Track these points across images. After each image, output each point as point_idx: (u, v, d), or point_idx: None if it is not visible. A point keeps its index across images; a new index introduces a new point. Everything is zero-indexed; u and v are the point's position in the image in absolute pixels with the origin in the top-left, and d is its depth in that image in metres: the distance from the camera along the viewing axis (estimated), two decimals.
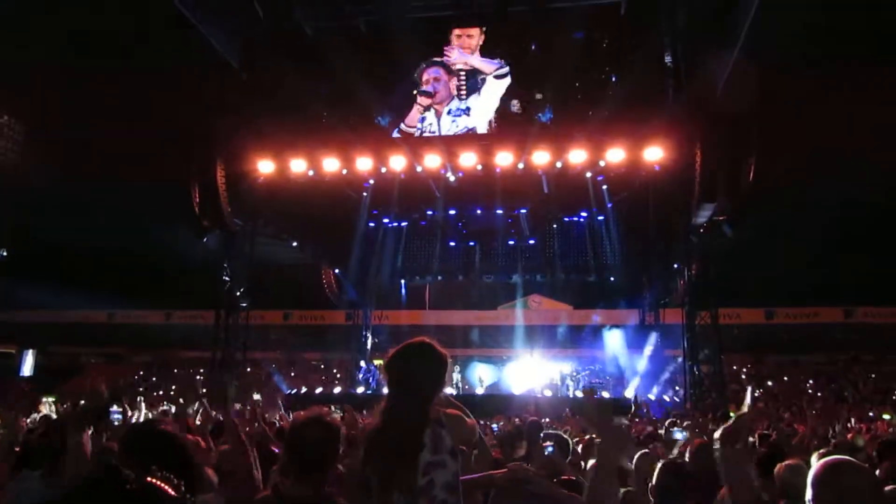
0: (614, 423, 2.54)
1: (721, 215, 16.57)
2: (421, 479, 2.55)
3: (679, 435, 9.29)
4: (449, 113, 18.12)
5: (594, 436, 7.38)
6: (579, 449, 6.06)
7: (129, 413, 8.08)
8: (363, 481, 2.57)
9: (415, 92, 18.31)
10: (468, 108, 18.06)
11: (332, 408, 10.61)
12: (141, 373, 39.22)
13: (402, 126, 18.43)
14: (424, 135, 18.20)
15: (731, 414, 18.45)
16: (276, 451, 4.70)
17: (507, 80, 17.93)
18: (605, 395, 20.66)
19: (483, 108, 18.04)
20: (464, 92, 18.14)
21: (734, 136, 15.67)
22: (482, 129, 18.07)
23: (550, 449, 4.51)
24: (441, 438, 2.63)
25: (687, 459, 4.44)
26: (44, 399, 15.52)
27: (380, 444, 2.63)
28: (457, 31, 18.30)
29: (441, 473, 2.58)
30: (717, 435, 2.83)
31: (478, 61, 18.17)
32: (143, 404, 10.10)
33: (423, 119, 18.27)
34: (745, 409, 2.76)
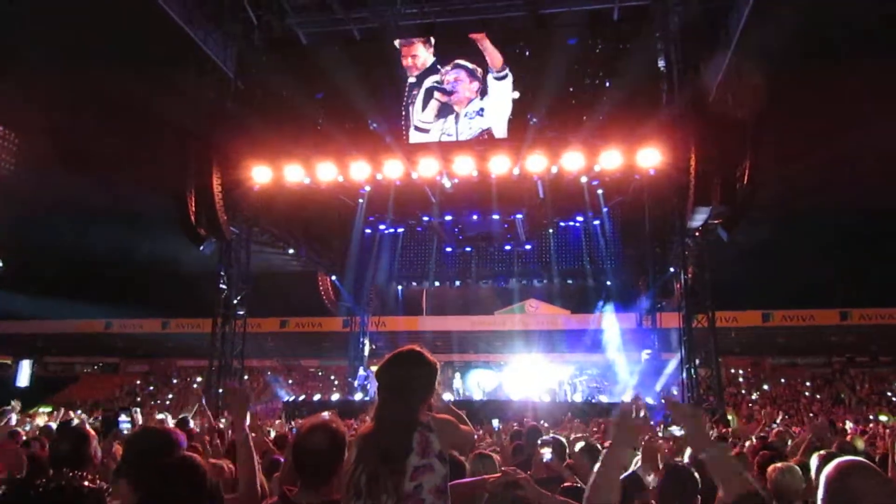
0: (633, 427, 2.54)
1: (717, 219, 16.58)
2: (409, 483, 2.58)
3: (679, 432, 9.30)
4: (466, 115, 18.11)
5: (594, 436, 7.40)
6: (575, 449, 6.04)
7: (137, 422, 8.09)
8: (353, 483, 2.59)
9: (429, 86, 18.28)
10: (482, 110, 18.03)
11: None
12: (138, 382, 39.15)
13: (418, 122, 18.28)
14: (443, 139, 18.14)
15: (729, 417, 18.45)
16: (279, 459, 4.71)
17: (509, 81, 17.91)
18: (602, 398, 20.70)
19: (495, 108, 17.93)
20: (478, 95, 18.13)
21: (729, 139, 15.68)
22: (499, 130, 17.91)
23: (549, 456, 4.52)
24: (429, 442, 2.67)
25: (687, 461, 4.45)
26: (40, 409, 15.43)
27: (369, 448, 2.66)
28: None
29: (429, 478, 2.62)
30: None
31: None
32: (138, 415, 10.05)
33: (444, 120, 18.21)
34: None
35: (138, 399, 34.37)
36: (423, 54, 18.42)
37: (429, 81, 18.34)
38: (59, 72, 25.35)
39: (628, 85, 16.99)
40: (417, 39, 18.46)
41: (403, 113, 18.34)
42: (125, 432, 5.86)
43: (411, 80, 18.44)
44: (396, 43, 18.40)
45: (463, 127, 18.03)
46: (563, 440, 5.47)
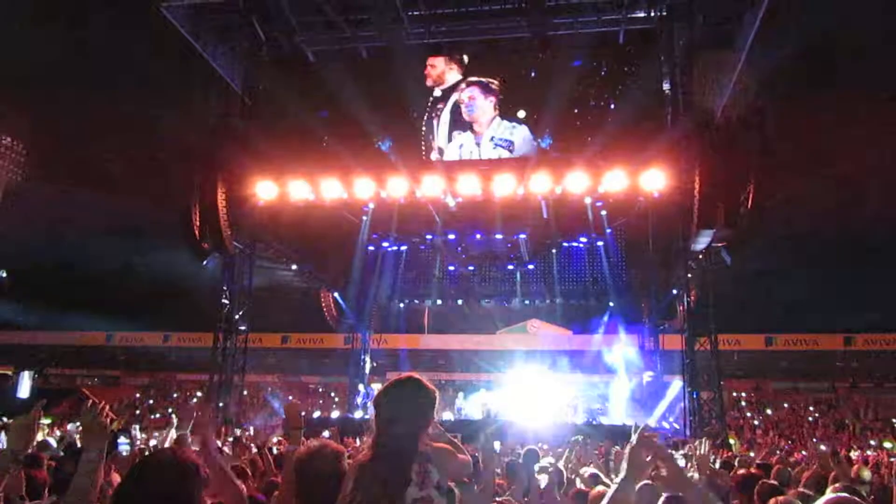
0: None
1: (720, 242, 16.55)
2: None
3: (680, 461, 9.22)
4: (492, 139, 18.08)
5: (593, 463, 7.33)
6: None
7: (137, 443, 7.98)
8: None
9: (452, 109, 18.34)
10: (511, 143, 17.98)
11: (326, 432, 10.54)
12: (138, 395, 39.03)
13: (439, 147, 18.37)
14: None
15: (731, 441, 18.31)
16: (277, 481, 4.66)
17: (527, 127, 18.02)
18: (603, 420, 20.57)
19: (520, 148, 17.98)
20: (496, 112, 18.12)
21: (733, 162, 15.70)
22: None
23: (546, 483, 4.48)
24: (428, 473, 2.63)
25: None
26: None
27: (368, 477, 2.63)
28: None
29: None
30: None
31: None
32: (136, 431, 9.99)
33: (460, 145, 18.22)
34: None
35: (137, 412, 34.24)
36: (440, 66, 18.57)
37: (452, 99, 18.42)
38: (67, 86, 25.56)
39: (633, 107, 17.06)
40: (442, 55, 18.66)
41: (424, 127, 18.43)
42: (124, 454, 5.77)
43: (437, 93, 18.56)
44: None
45: (486, 150, 18.09)
46: (562, 468, 5.41)
